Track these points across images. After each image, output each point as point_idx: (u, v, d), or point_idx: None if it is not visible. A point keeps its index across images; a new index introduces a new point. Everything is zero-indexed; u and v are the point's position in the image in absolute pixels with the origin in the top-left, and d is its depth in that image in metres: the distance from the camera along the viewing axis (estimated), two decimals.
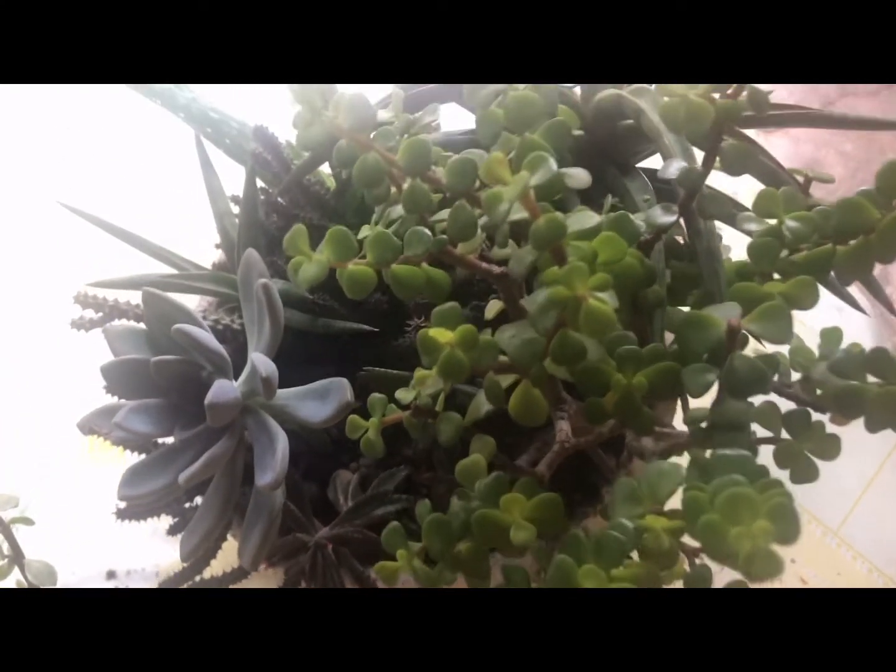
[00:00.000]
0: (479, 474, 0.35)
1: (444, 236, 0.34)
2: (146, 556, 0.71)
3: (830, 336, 0.44)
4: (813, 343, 0.46)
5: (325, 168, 0.55)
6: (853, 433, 0.74)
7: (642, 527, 0.30)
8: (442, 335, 0.29)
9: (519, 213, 0.28)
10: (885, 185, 0.32)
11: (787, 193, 0.36)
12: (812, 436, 0.38)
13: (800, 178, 0.43)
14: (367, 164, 0.31)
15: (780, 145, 0.81)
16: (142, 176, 0.90)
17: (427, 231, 0.33)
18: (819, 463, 0.75)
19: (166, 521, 0.53)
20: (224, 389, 0.41)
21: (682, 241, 0.39)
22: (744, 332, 0.32)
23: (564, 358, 0.31)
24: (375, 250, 0.32)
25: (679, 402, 0.49)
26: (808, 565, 0.69)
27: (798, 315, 0.33)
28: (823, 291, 0.47)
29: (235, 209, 0.58)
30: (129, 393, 0.44)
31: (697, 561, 0.36)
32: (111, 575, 0.72)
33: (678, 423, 0.41)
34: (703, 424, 0.35)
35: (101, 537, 0.72)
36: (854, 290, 0.52)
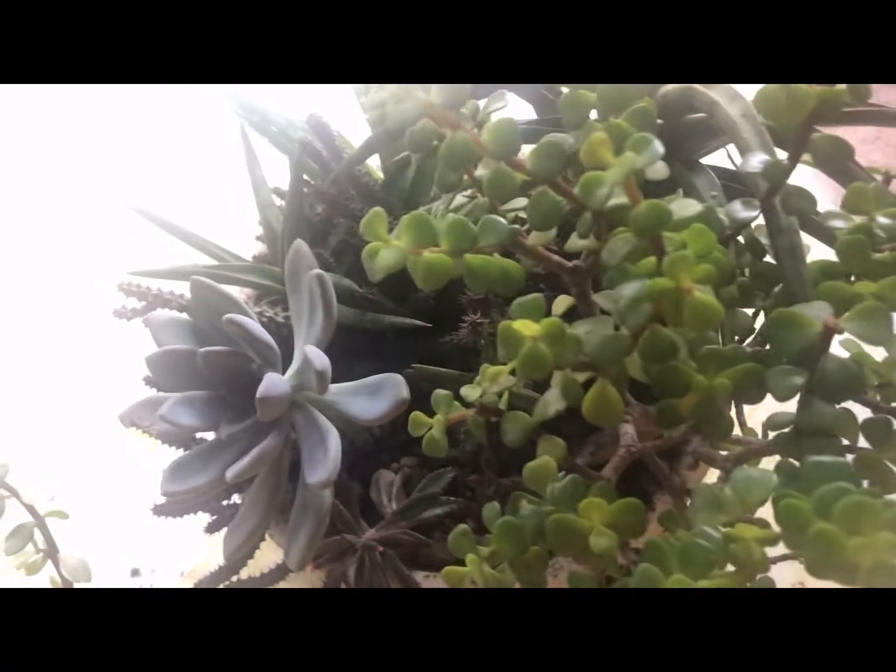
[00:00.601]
0: (550, 477, 0.33)
1: (517, 226, 0.33)
2: (172, 554, 0.70)
3: None
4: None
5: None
6: None
7: (731, 536, 0.28)
8: (527, 327, 0.27)
9: (619, 198, 0.26)
10: None
11: (877, 189, 0.35)
12: (893, 445, 0.36)
13: (878, 177, 0.42)
14: (455, 143, 0.29)
15: None
16: (184, 166, 0.89)
17: (502, 220, 0.32)
18: None
19: (193, 518, 0.51)
20: (275, 383, 0.40)
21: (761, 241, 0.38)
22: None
23: (654, 356, 0.29)
24: (452, 238, 0.30)
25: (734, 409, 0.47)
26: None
27: None
28: None
29: (278, 201, 0.57)
30: (174, 385, 0.42)
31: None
32: (135, 573, 0.71)
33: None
34: (787, 430, 0.34)
35: (128, 533, 0.71)
36: None
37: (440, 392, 0.35)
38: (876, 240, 0.35)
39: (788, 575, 0.68)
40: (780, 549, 0.29)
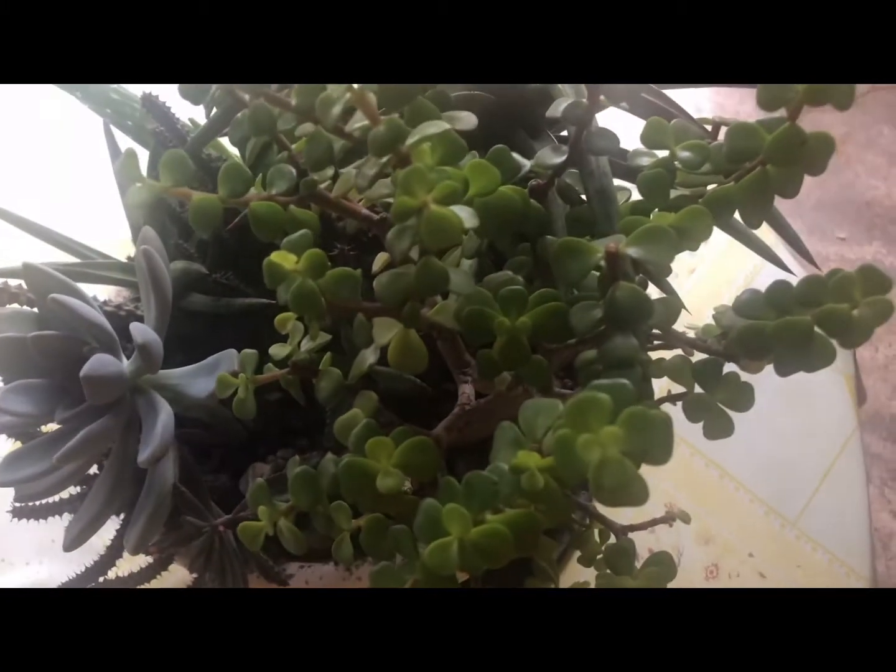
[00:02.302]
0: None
1: (314, 177, 0.32)
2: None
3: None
4: None
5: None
6: (810, 422, 0.72)
7: (516, 467, 0.28)
8: (286, 259, 0.27)
9: (359, 122, 0.26)
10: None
11: (678, 124, 0.34)
12: (724, 386, 0.36)
13: (708, 128, 0.41)
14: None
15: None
16: (56, 168, 0.87)
17: (291, 167, 0.31)
18: (776, 453, 0.73)
19: None
20: (103, 362, 0.39)
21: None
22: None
23: (426, 287, 0.28)
24: (227, 183, 0.29)
25: None
26: (767, 559, 0.66)
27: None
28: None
29: None
30: (11, 375, 0.42)
31: None
32: None
33: None
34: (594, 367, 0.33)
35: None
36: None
37: (246, 351, 0.34)
38: (685, 176, 0.35)
39: (701, 557, 0.68)
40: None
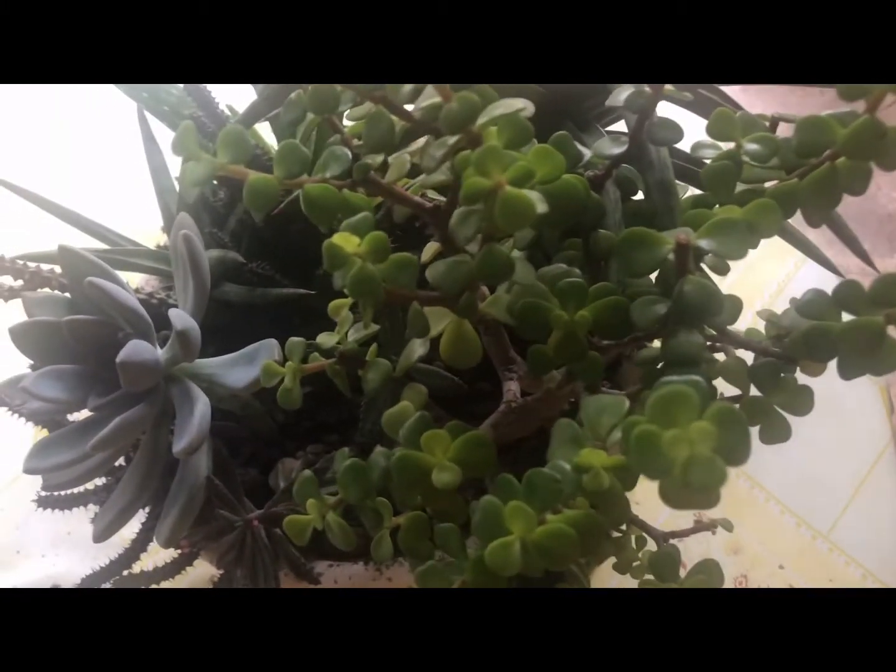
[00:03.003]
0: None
1: (369, 161, 0.31)
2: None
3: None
4: None
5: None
6: (843, 433, 0.70)
7: (580, 465, 0.26)
8: (347, 241, 0.26)
9: (429, 99, 0.25)
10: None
11: (745, 117, 0.33)
12: (781, 389, 0.35)
13: (766, 124, 0.40)
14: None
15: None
16: (89, 155, 0.86)
17: (346, 150, 0.30)
18: (808, 464, 0.71)
19: None
20: (139, 349, 0.38)
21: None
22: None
23: (490, 274, 0.27)
24: (283, 164, 0.28)
25: None
26: (798, 571, 0.64)
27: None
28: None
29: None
30: (42, 359, 0.40)
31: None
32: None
33: None
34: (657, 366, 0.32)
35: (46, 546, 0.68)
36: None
37: (294, 339, 0.33)
38: (745, 170, 0.34)
39: (730, 569, 0.66)
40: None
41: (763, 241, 0.44)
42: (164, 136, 0.53)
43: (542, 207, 0.25)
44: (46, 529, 0.68)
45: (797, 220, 0.36)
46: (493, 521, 0.26)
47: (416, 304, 0.29)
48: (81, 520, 0.47)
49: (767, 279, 0.76)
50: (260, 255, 0.50)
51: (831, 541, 0.65)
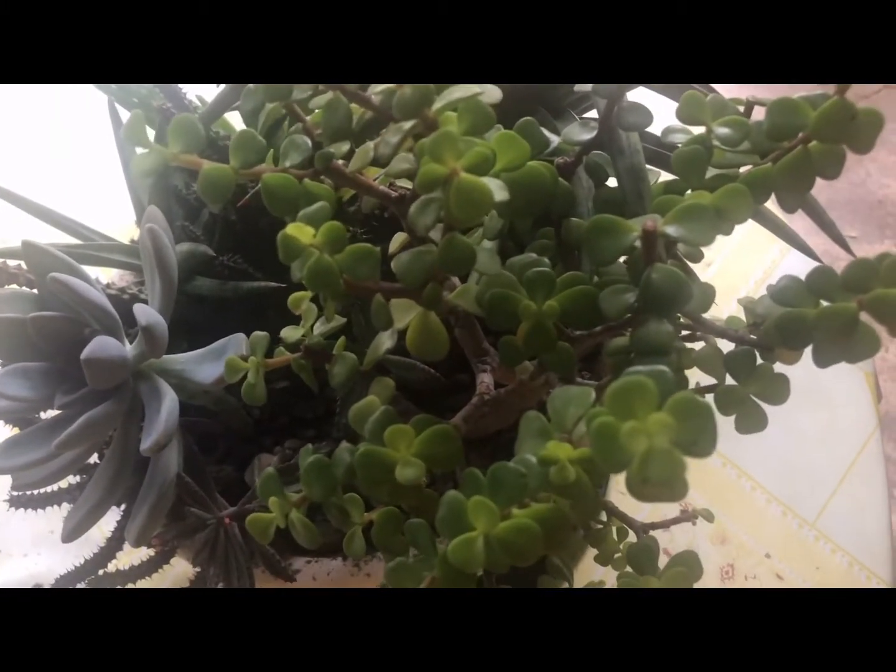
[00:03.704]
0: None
1: (331, 149, 0.30)
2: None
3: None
4: None
5: None
6: (829, 420, 0.70)
7: (545, 458, 0.26)
8: (302, 232, 0.25)
9: (382, 86, 0.24)
10: None
11: (716, 100, 0.33)
12: (758, 378, 0.34)
13: (740, 108, 0.40)
14: None
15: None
16: (57, 151, 0.85)
17: (306, 139, 0.30)
18: (794, 452, 0.71)
19: None
20: (105, 345, 0.37)
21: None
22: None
23: (452, 265, 0.26)
24: (239, 153, 0.28)
25: None
26: (784, 560, 0.64)
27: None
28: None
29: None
30: (9, 358, 0.40)
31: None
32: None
33: None
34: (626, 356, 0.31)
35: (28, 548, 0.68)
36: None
37: (257, 334, 0.32)
38: (718, 155, 0.33)
39: (716, 558, 0.66)
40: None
41: (748, 229, 0.44)
42: None
43: (500, 195, 0.25)
44: (28, 528, 0.68)
45: (780, 208, 0.36)
46: (456, 517, 0.25)
47: (378, 296, 0.29)
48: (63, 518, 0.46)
49: (752, 267, 0.75)
50: (233, 248, 0.50)
51: (818, 529, 0.65)
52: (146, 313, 0.36)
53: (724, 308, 0.41)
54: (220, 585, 0.41)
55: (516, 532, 0.24)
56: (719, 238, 0.32)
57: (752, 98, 0.39)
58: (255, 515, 0.29)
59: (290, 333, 0.32)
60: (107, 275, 0.57)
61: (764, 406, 0.34)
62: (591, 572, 0.60)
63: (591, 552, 0.63)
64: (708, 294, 0.33)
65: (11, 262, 0.46)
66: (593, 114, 0.48)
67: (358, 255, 0.26)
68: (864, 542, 0.64)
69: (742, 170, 0.35)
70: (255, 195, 0.39)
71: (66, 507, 0.47)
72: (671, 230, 0.28)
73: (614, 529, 0.47)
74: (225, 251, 0.49)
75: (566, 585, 0.52)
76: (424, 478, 0.31)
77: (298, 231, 0.25)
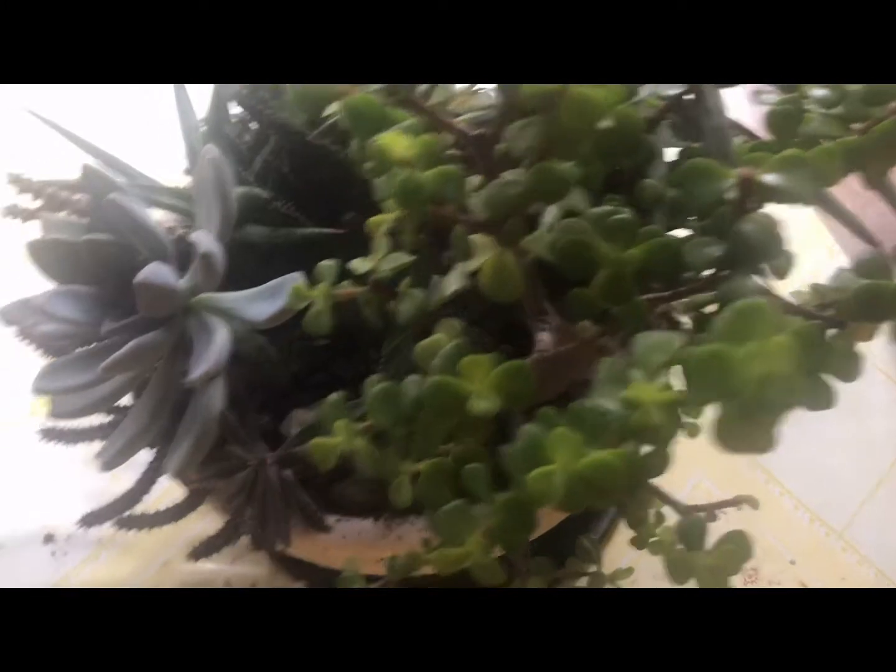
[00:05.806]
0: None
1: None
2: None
3: None
4: None
5: None
6: (863, 428, 0.69)
7: (629, 401, 0.25)
8: (399, 143, 0.24)
9: None
10: None
11: None
12: (827, 352, 0.33)
13: None
14: None
15: None
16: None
17: None
18: (825, 459, 0.70)
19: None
20: (157, 271, 0.36)
21: None
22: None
23: (543, 193, 0.26)
24: None
25: None
26: (809, 568, 0.63)
27: None
28: None
29: None
30: (60, 279, 0.39)
31: None
32: (49, 539, 0.66)
33: None
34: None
35: (41, 499, 0.67)
36: None
37: (325, 262, 0.32)
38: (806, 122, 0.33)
39: None
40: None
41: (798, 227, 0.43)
42: None
43: (607, 122, 0.24)
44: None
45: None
46: (534, 450, 0.24)
47: (459, 226, 0.28)
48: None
49: (804, 259, 0.74)
50: (286, 197, 0.49)
51: (845, 539, 0.64)
52: (206, 240, 0.35)
53: None
54: (255, 532, 0.40)
55: (598, 468, 0.23)
56: None
57: None
58: (319, 440, 0.28)
59: (359, 265, 0.32)
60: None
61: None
62: (619, 559, 0.59)
63: (619, 538, 0.62)
64: (789, 258, 0.33)
65: (63, 193, 0.45)
66: None
67: (446, 176, 0.26)
68: (892, 556, 0.63)
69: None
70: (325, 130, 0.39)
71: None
72: (770, 178, 0.27)
73: (652, 513, 0.46)
74: (277, 200, 0.48)
75: (594, 569, 0.52)
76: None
77: (394, 141, 0.24)
